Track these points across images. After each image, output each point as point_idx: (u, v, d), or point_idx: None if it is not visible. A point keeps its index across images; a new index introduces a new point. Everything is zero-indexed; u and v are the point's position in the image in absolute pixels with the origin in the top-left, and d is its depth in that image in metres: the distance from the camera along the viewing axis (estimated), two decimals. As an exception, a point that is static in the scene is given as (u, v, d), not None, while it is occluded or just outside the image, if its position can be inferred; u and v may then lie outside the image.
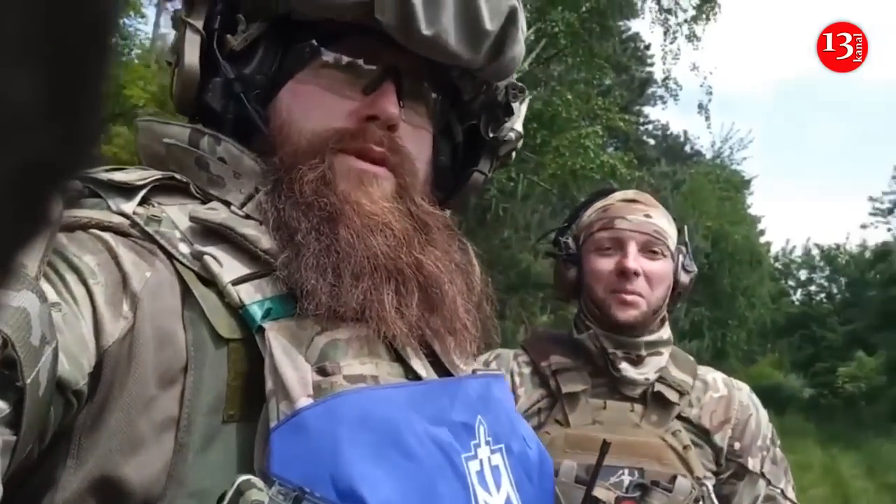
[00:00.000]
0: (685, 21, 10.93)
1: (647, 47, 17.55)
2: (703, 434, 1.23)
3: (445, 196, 0.73)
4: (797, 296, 24.74)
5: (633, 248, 1.24)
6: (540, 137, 8.80)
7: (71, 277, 0.49)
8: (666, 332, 1.29)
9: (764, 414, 1.30)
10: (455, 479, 0.54)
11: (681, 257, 1.30)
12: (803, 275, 24.79)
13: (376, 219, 0.60)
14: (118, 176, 0.58)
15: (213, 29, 0.63)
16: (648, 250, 1.25)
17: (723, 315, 17.02)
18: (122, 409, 0.48)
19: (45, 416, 0.44)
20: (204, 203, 0.61)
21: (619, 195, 1.33)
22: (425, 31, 0.60)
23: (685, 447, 1.18)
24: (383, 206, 0.62)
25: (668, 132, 21.82)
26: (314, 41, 0.64)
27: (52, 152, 0.16)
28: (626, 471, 1.14)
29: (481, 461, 0.58)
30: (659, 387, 1.23)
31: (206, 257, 0.55)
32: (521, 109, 0.75)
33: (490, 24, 0.62)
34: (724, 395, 1.27)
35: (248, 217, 0.60)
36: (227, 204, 0.61)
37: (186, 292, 0.54)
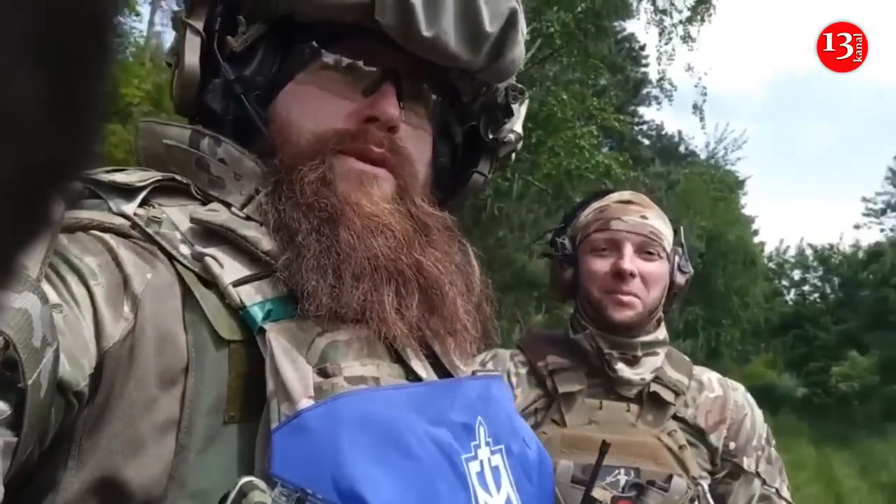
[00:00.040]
0: (680, 22, 10.96)
1: (642, 48, 17.62)
2: (698, 434, 1.23)
3: (445, 197, 0.73)
4: (791, 295, 24.87)
5: (628, 250, 1.24)
6: (535, 137, 8.81)
7: (72, 279, 0.49)
8: (662, 333, 1.30)
9: (759, 414, 1.30)
10: (455, 479, 0.54)
11: (677, 258, 1.31)
12: (797, 275, 24.91)
13: (377, 220, 0.61)
14: (119, 177, 0.58)
15: (213, 30, 0.63)
16: (644, 251, 1.25)
17: (717, 315, 17.09)
18: (123, 411, 0.48)
19: (45, 418, 0.44)
20: (204, 204, 0.61)
21: (615, 196, 1.33)
22: (425, 32, 0.60)
23: (681, 447, 1.18)
24: (383, 208, 0.62)
25: (663, 132, 21.91)
26: (314, 43, 0.64)
27: (53, 153, 0.16)
28: (623, 470, 1.14)
29: (481, 462, 0.58)
30: (655, 387, 1.23)
31: (206, 259, 0.55)
32: (520, 111, 0.75)
33: (490, 25, 0.63)
34: (719, 395, 1.28)
35: (248, 218, 0.60)
36: (228, 205, 0.61)
37: (187, 294, 0.54)
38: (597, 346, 1.25)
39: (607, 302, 1.24)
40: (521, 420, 0.70)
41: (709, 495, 1.16)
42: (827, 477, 9.02)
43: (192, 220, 0.57)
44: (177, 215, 0.58)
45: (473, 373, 0.68)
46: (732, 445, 1.24)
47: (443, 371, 0.64)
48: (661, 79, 12.07)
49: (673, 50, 11.26)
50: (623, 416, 1.22)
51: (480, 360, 1.27)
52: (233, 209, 0.61)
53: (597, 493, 1.08)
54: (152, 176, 0.60)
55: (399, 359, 0.61)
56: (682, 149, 22.00)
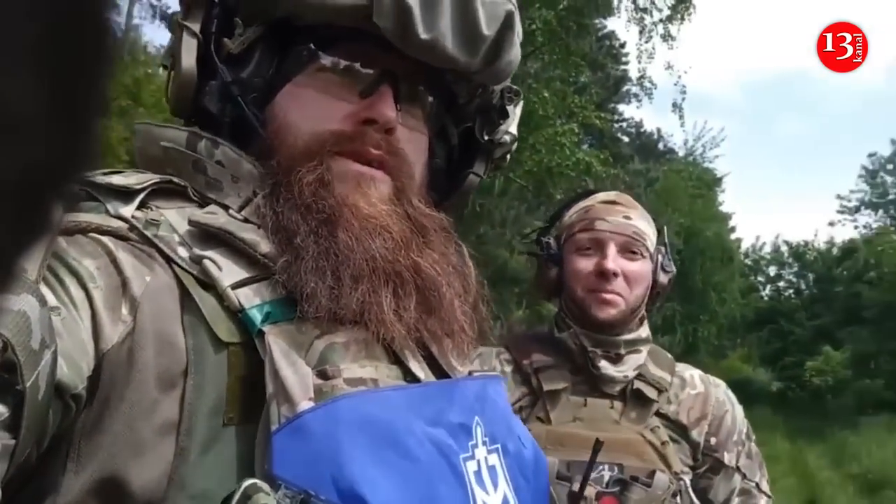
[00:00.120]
0: (660, 20, 11.04)
1: (623, 45, 17.69)
2: (680, 430, 1.25)
3: (440, 198, 0.74)
4: (766, 291, 25.14)
5: (612, 250, 1.26)
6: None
7: (70, 281, 0.49)
8: (645, 331, 1.32)
9: (739, 410, 1.33)
10: (454, 479, 0.55)
11: (660, 257, 1.33)
12: (772, 271, 25.20)
13: (374, 221, 0.61)
14: (116, 179, 0.58)
15: (209, 32, 0.63)
16: (627, 251, 1.27)
17: (694, 310, 17.25)
18: (123, 413, 0.48)
19: (43, 420, 0.44)
20: (202, 206, 0.61)
21: (600, 196, 1.35)
22: (423, 35, 0.61)
23: (663, 443, 1.20)
24: (381, 209, 0.62)
25: (642, 130, 22.06)
26: (312, 45, 0.64)
27: (53, 155, 0.16)
28: (607, 466, 1.16)
29: (479, 462, 0.59)
30: (638, 384, 1.25)
31: (205, 261, 0.55)
32: (515, 112, 0.76)
33: (487, 28, 0.63)
34: (700, 391, 1.30)
35: (246, 221, 0.60)
36: (226, 207, 0.61)
37: (186, 296, 0.54)
38: (581, 344, 1.26)
39: (591, 301, 1.26)
40: (517, 419, 0.71)
41: (691, 490, 1.18)
42: (801, 469, 9.17)
43: (191, 222, 0.57)
44: (175, 218, 0.58)
45: (470, 373, 0.69)
46: (713, 441, 1.27)
47: (440, 372, 0.65)
48: (642, 77, 12.18)
49: (653, 48, 11.36)
50: (607, 413, 1.24)
51: (466, 358, 1.28)
52: (230, 211, 0.61)
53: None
54: (150, 178, 0.59)
55: (397, 360, 0.61)
56: (660, 146, 22.19)
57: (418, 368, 0.62)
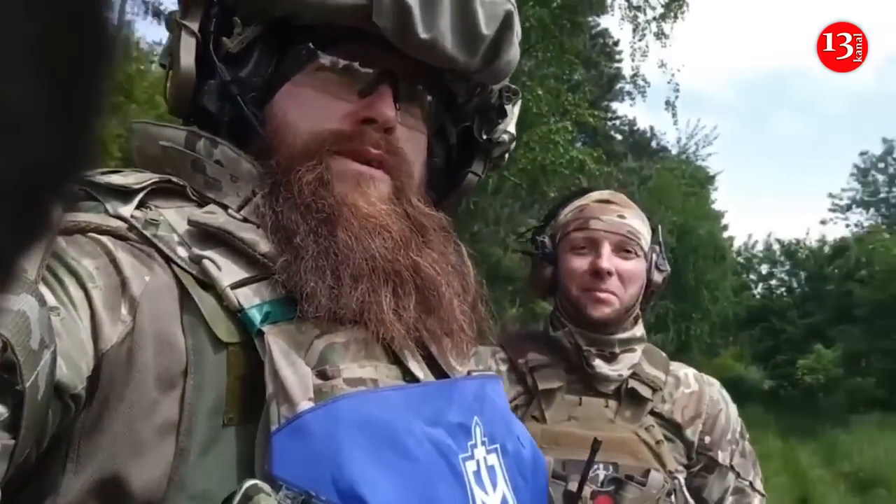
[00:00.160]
0: (654, 19, 11.06)
1: (616, 43, 17.72)
2: (674, 429, 1.26)
3: (439, 197, 0.74)
4: (758, 289, 25.26)
5: (606, 249, 1.26)
6: (510, 132, 8.83)
7: (70, 281, 0.49)
8: (639, 330, 1.32)
9: (733, 409, 1.34)
10: (453, 479, 0.55)
11: (654, 256, 1.33)
12: (764, 269, 25.32)
13: (374, 221, 0.61)
14: (115, 179, 0.58)
15: (208, 31, 0.63)
16: (622, 250, 1.28)
17: (687, 308, 17.32)
18: (123, 413, 0.48)
19: (43, 421, 0.44)
20: (201, 206, 0.61)
21: (595, 195, 1.35)
22: (422, 35, 0.61)
23: (658, 442, 1.21)
24: (380, 209, 0.62)
25: (635, 128, 22.08)
26: (311, 44, 0.64)
27: (53, 156, 0.16)
28: (601, 465, 1.16)
29: (478, 461, 0.59)
30: (632, 383, 1.26)
31: (204, 261, 0.55)
32: (513, 112, 0.76)
33: (486, 28, 0.63)
34: (695, 390, 1.30)
35: (245, 220, 0.60)
36: (225, 207, 0.61)
37: (185, 296, 0.54)
38: (575, 342, 1.27)
39: (585, 299, 1.26)
40: (516, 419, 0.71)
41: (685, 489, 1.19)
42: (793, 468, 9.22)
43: (190, 222, 0.57)
44: (174, 217, 0.58)
45: (469, 373, 0.69)
46: (707, 440, 1.27)
47: (439, 371, 0.65)
48: (635, 75, 12.18)
49: (646, 46, 11.38)
50: (602, 412, 1.24)
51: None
52: (229, 211, 0.61)
53: (575, 487, 1.10)
54: (149, 178, 0.59)
55: (396, 360, 0.61)
56: (654, 144, 22.23)
57: (417, 368, 0.62)
